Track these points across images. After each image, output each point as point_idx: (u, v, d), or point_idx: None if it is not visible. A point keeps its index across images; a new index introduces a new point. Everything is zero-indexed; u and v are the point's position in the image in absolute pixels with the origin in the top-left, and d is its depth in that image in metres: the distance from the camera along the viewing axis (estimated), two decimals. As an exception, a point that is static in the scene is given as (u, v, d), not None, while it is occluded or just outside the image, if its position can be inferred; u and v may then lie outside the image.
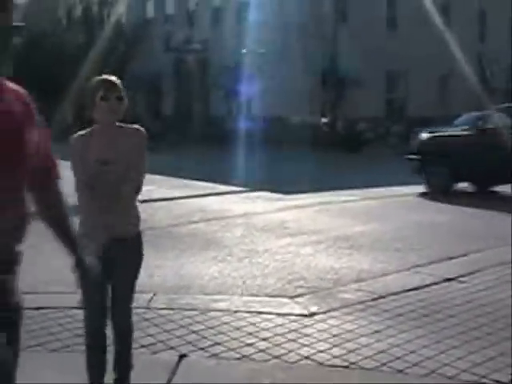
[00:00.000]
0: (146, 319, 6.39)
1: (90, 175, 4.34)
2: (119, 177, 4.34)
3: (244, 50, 35.75)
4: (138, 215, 4.56)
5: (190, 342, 5.80)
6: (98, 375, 4.62)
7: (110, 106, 4.30)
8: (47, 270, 7.94)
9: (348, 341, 5.89)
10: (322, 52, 33.92)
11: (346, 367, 5.36)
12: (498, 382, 5.09)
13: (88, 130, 4.43)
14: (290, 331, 6.13)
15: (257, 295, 7.45)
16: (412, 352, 5.62)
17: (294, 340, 5.90)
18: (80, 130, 4.49)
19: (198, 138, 34.50)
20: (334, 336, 6.01)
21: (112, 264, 4.41)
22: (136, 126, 4.48)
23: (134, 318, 6.30)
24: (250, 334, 6.04)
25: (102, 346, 4.62)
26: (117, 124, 4.41)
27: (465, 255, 9.47)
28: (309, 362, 5.46)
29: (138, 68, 44.02)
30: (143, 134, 4.45)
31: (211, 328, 6.17)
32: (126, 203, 4.45)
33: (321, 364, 5.41)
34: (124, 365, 4.67)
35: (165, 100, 45.71)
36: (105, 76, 4.44)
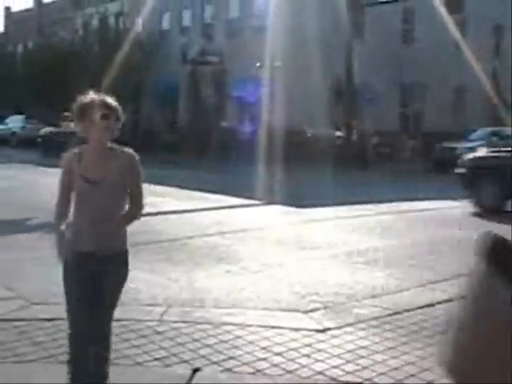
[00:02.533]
0: (159, 332, 6.37)
1: (78, 192, 4.47)
2: (101, 196, 4.43)
3: (258, 64, 35.80)
4: (124, 234, 4.62)
5: (203, 356, 5.78)
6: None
7: (110, 125, 4.40)
8: (60, 282, 7.91)
9: (362, 357, 5.86)
10: (338, 65, 33.92)
11: (360, 383, 5.33)
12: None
13: (80, 148, 4.50)
14: (304, 346, 6.11)
15: (271, 309, 7.41)
16: (426, 370, 5.58)
17: (307, 355, 5.88)
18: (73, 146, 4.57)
19: (213, 149, 34.52)
20: (348, 352, 5.99)
21: (95, 281, 4.49)
22: (127, 150, 4.54)
23: (148, 331, 6.35)
24: (264, 348, 6.02)
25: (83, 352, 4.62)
26: (109, 145, 4.48)
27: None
28: (322, 377, 5.44)
29: (155, 80, 44.16)
30: (133, 156, 4.52)
31: (225, 342, 6.15)
32: (112, 223, 4.50)
33: (334, 379, 5.39)
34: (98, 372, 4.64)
35: (181, 112, 45.80)
36: (103, 96, 4.51)
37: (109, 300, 4.57)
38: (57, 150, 29.71)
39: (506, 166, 16.95)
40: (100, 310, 4.53)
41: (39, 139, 38.32)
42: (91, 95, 4.47)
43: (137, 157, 4.55)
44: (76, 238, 4.47)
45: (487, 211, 16.54)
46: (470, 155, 19.12)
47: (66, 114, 39.79)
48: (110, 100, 4.47)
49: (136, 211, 4.64)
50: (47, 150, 34.43)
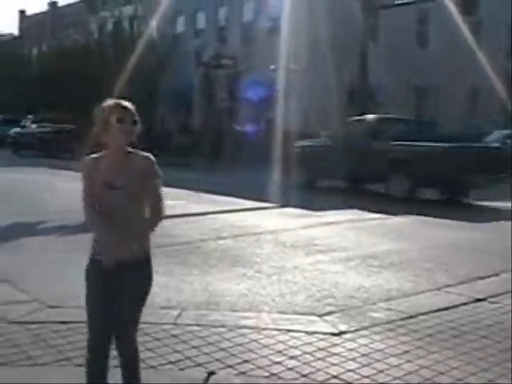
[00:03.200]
0: (174, 335, 6.37)
1: (97, 198, 4.39)
2: (126, 202, 4.36)
3: (272, 67, 35.80)
4: (147, 240, 4.51)
5: (218, 359, 5.78)
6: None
7: (125, 128, 4.32)
8: (76, 285, 7.92)
9: (377, 360, 5.84)
10: (352, 68, 33.87)
11: (375, 388, 5.31)
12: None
13: (99, 154, 4.46)
14: (319, 350, 6.09)
15: (286, 313, 7.40)
16: (441, 374, 5.55)
17: (322, 359, 5.86)
18: (91, 152, 4.52)
19: (227, 152, 34.53)
20: (363, 355, 5.96)
21: (116, 288, 4.42)
22: (146, 154, 4.46)
23: (162, 334, 6.34)
24: (279, 351, 6.01)
25: (102, 363, 4.60)
26: (127, 149, 4.42)
27: (496, 275, 9.39)
28: (337, 381, 5.42)
29: (169, 82, 44.23)
30: (152, 161, 4.44)
31: (240, 345, 6.14)
32: (133, 228, 4.39)
33: (349, 383, 5.38)
34: None
35: (194, 115, 45.86)
36: (119, 100, 4.46)
37: (130, 308, 4.48)
38: (23, 148, 35.85)
39: (316, 153, 22.35)
40: (123, 317, 4.46)
41: (11, 139, 43.13)
42: (109, 101, 4.42)
43: (155, 162, 4.45)
44: (97, 246, 4.41)
45: (304, 187, 21.88)
46: (300, 143, 24.38)
47: (30, 116, 42.45)
48: (126, 103, 4.42)
49: (156, 219, 4.48)
50: (16, 148, 40.94)
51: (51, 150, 36.99)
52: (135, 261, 4.41)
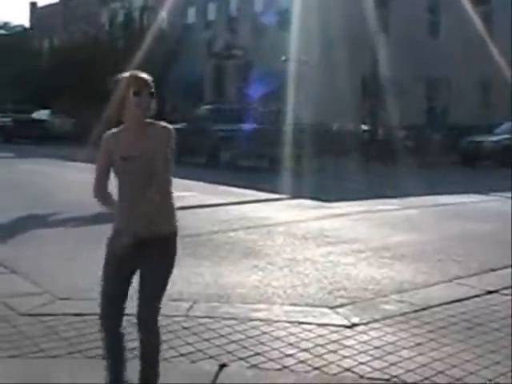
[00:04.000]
0: (186, 328, 6.36)
1: (117, 172, 4.34)
2: (142, 174, 4.25)
3: (283, 58, 35.73)
4: (171, 213, 4.42)
5: (229, 352, 5.76)
6: (115, 373, 4.58)
7: (142, 101, 4.22)
8: (87, 277, 7.94)
9: (389, 353, 5.81)
10: (363, 59, 33.80)
11: (388, 380, 5.27)
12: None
13: (119, 128, 4.38)
14: (331, 342, 6.07)
15: (297, 305, 7.38)
16: (454, 366, 5.52)
17: (334, 351, 5.84)
18: (110, 128, 4.45)
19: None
20: (375, 348, 5.94)
21: (138, 262, 4.38)
22: (164, 124, 4.34)
23: (174, 327, 6.33)
24: (291, 344, 5.99)
25: (117, 345, 4.58)
26: (146, 121, 4.31)
27: (507, 267, 9.34)
28: (349, 374, 5.40)
29: (179, 73, 44.19)
30: (170, 130, 4.33)
31: (251, 338, 6.12)
32: (153, 201, 4.27)
33: (362, 376, 5.34)
34: (149, 372, 4.57)
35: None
36: (136, 72, 4.33)
37: (150, 289, 4.41)
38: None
39: (179, 134, 26.60)
40: (142, 301, 4.42)
41: None
42: (127, 73, 4.30)
43: (173, 132, 4.34)
44: (117, 221, 4.38)
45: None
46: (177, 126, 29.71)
47: None
48: (143, 75, 4.29)
49: (155, 193, 4.28)
50: None
51: (11, 137, 42.36)
52: (157, 236, 4.33)
